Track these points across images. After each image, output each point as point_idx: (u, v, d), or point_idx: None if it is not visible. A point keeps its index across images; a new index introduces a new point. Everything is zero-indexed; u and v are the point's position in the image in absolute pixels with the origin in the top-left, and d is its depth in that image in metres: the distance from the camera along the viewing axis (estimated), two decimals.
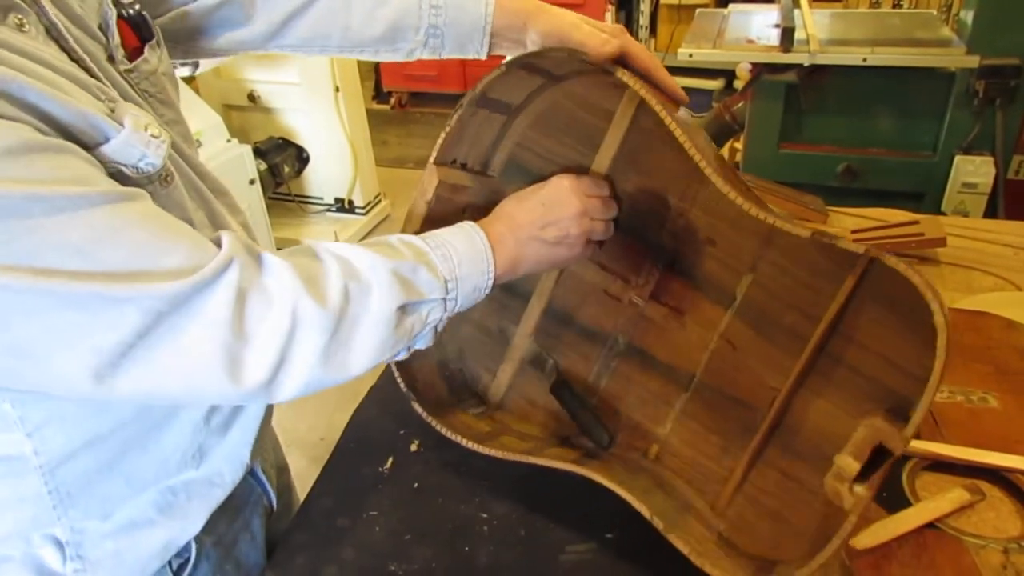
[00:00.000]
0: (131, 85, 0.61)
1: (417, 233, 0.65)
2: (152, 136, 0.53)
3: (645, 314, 0.74)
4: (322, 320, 0.52)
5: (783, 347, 0.65)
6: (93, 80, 0.54)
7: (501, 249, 0.64)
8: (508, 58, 0.71)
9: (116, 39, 0.61)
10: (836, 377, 0.63)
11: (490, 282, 0.63)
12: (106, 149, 0.51)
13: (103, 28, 0.61)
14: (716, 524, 0.66)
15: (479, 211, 0.71)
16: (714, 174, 0.61)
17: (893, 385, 0.60)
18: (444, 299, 0.60)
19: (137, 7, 0.64)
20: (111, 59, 0.60)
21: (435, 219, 0.73)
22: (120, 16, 0.61)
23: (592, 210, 0.68)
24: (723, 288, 0.70)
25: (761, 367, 0.66)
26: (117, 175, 0.52)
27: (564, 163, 0.76)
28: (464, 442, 0.71)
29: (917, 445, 0.77)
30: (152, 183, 0.54)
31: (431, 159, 0.74)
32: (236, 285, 0.50)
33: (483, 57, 0.73)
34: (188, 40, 0.72)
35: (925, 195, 1.74)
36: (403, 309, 0.57)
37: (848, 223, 1.22)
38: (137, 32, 0.63)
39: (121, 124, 0.52)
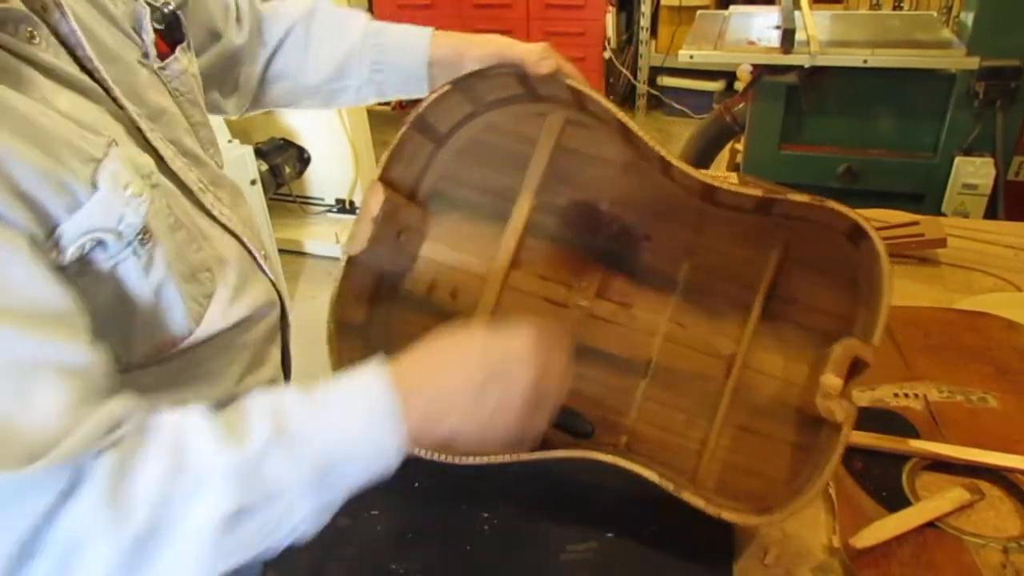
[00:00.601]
0: (164, 82, 0.64)
1: (364, 248, 0.67)
2: (132, 195, 0.53)
3: (593, 314, 0.75)
4: (114, 537, 0.42)
5: (730, 318, 0.72)
6: (96, 106, 0.55)
7: (415, 428, 0.50)
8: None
9: (151, 36, 0.63)
10: (783, 334, 0.71)
11: (388, 468, 0.49)
12: (80, 217, 0.49)
13: (136, 28, 0.63)
14: (702, 494, 0.67)
15: (414, 234, 0.77)
16: (664, 156, 0.67)
17: (835, 331, 0.68)
18: (307, 492, 0.47)
19: (171, 6, 0.66)
20: (145, 56, 0.63)
21: (375, 238, 0.73)
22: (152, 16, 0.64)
23: (547, 373, 0.55)
24: (665, 276, 0.75)
25: (712, 339, 0.72)
26: (93, 252, 0.51)
27: (493, 189, 0.79)
28: (447, 459, 0.67)
29: (917, 445, 0.77)
30: (130, 248, 0.53)
31: (377, 175, 0.75)
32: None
33: (423, 93, 0.77)
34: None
35: (926, 196, 1.74)
36: (239, 514, 0.45)
37: None
38: (169, 33, 0.65)
39: (96, 186, 0.50)
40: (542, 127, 0.78)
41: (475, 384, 0.52)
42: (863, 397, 0.85)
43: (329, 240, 2.96)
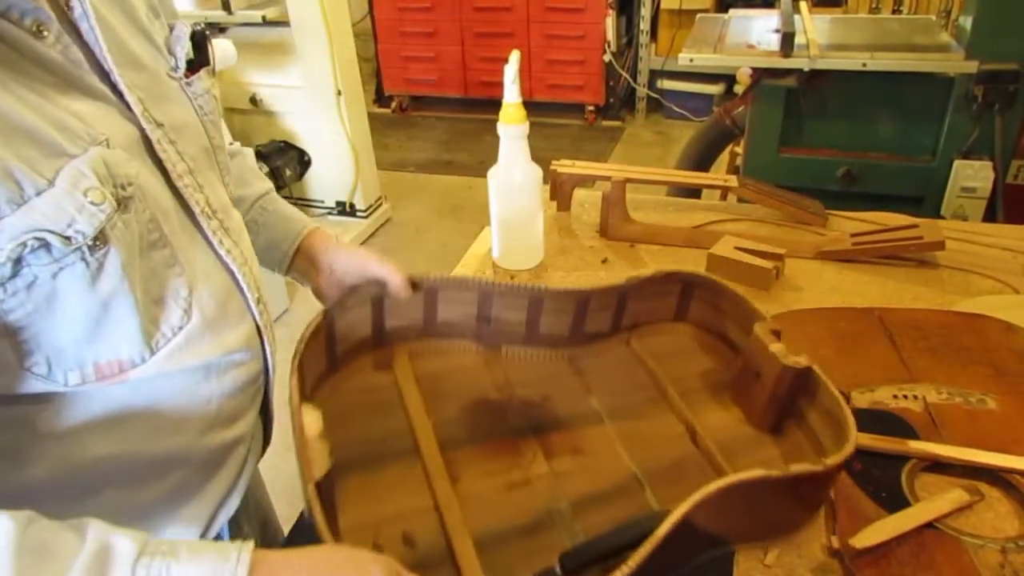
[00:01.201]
0: (190, 98, 0.64)
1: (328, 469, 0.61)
2: (91, 202, 0.50)
3: (557, 472, 0.74)
4: None
5: (656, 411, 0.82)
6: (102, 107, 0.54)
7: None
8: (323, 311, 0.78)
9: (185, 53, 0.64)
10: (693, 398, 0.83)
11: None
12: (29, 209, 0.47)
13: (169, 45, 0.64)
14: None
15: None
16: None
17: (716, 379, 0.87)
18: None
19: (201, 27, 0.67)
20: (174, 70, 0.63)
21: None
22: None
23: None
24: (587, 414, 0.81)
25: (662, 432, 0.79)
26: (34, 254, 0.48)
27: (381, 436, 0.77)
28: None
29: (916, 446, 0.78)
30: (77, 253, 0.50)
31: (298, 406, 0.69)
32: None
33: (280, 271, 0.84)
34: None
35: (924, 199, 1.75)
36: None
37: (847, 226, 1.23)
38: (197, 54, 0.66)
39: (52, 183, 0.48)
40: (395, 370, 0.85)
41: None
42: (862, 399, 0.86)
43: None
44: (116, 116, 0.56)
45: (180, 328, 0.59)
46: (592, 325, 0.86)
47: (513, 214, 1.12)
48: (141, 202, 0.55)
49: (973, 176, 1.65)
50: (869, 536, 0.67)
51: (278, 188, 2.77)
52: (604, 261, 1.18)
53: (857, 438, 0.66)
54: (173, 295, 0.58)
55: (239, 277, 0.65)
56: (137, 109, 0.57)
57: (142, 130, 0.58)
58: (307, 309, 2.71)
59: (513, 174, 1.08)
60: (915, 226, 1.15)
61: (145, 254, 0.56)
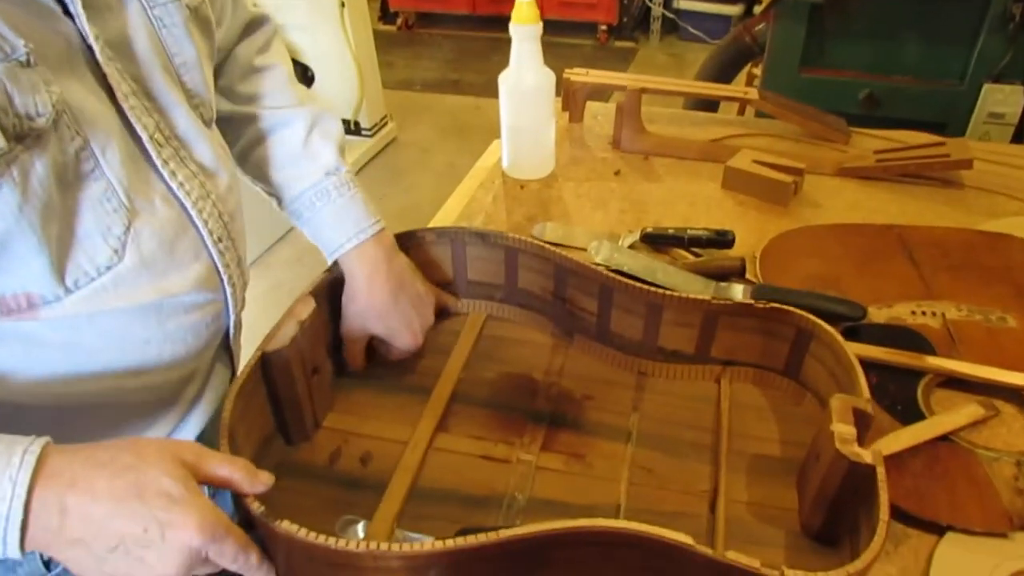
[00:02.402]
0: (145, 8, 0.56)
1: (284, 346, 0.60)
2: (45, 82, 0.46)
3: (541, 466, 0.67)
4: None
5: (695, 458, 0.68)
6: (39, 20, 0.48)
7: (40, 519, 0.42)
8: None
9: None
10: (752, 465, 0.68)
11: (6, 551, 0.42)
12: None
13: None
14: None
15: (323, 389, 0.72)
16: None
17: (793, 454, 0.68)
18: None
19: (203, 7, 0.62)
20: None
21: (292, 357, 0.65)
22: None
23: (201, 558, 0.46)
24: (615, 428, 0.71)
25: (683, 479, 0.67)
26: None
27: (413, 369, 0.78)
28: None
29: (933, 361, 0.76)
30: (23, 143, 0.46)
31: (308, 291, 0.70)
32: None
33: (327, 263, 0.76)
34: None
35: (948, 125, 1.69)
36: None
37: (870, 144, 1.18)
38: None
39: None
40: (465, 322, 0.84)
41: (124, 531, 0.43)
42: (880, 314, 0.83)
43: None
44: (50, 23, 0.49)
45: (108, 268, 0.53)
46: (669, 340, 0.75)
47: (524, 120, 1.08)
48: (70, 129, 0.49)
49: (1003, 101, 1.59)
50: (884, 446, 0.65)
51: None
52: (617, 173, 1.14)
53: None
54: (103, 232, 0.52)
55: (193, 213, 0.58)
56: (80, 18, 0.50)
57: (86, 42, 0.50)
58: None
59: (525, 77, 1.03)
60: (942, 143, 1.11)
61: (72, 186, 0.50)
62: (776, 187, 1.04)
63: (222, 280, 0.63)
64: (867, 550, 0.49)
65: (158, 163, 0.56)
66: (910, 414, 0.71)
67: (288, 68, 0.78)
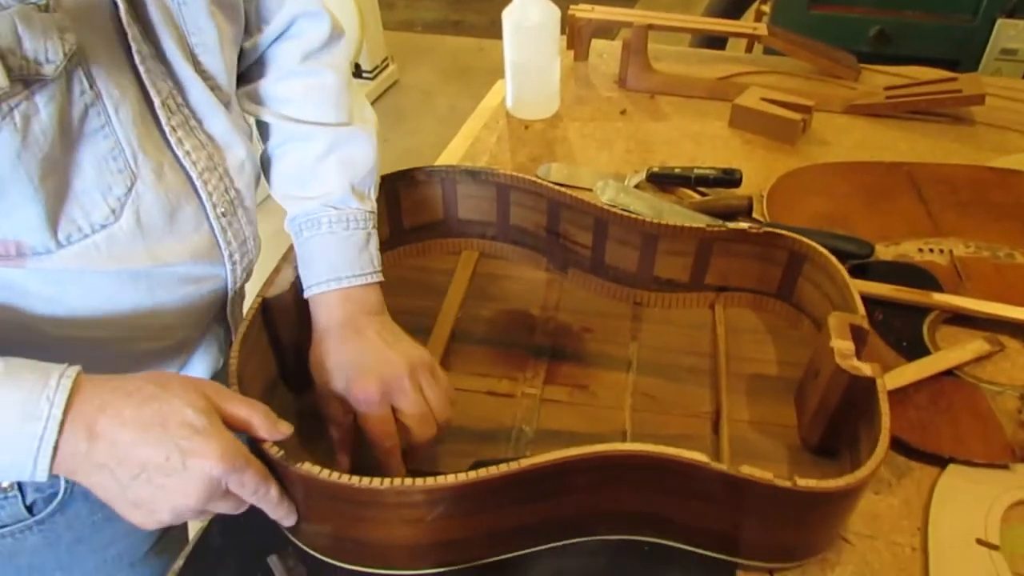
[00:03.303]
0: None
1: (284, 291, 0.59)
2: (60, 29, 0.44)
3: (546, 399, 0.68)
4: None
5: (695, 382, 0.70)
6: None
7: (73, 445, 0.43)
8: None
9: None
10: (752, 386, 0.70)
11: (36, 473, 0.43)
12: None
13: None
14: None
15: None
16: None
17: (790, 374, 0.70)
18: None
19: None
20: None
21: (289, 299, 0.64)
22: None
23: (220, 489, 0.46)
24: (615, 358, 0.73)
25: (685, 403, 0.68)
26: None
27: (408, 309, 0.70)
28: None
29: (939, 298, 0.76)
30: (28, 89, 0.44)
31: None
32: None
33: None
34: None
35: (959, 63, 1.65)
36: None
37: (880, 81, 1.16)
38: None
39: None
40: (458, 261, 0.83)
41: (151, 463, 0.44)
42: (887, 252, 0.83)
43: None
44: None
45: (103, 226, 0.52)
46: (664, 270, 0.76)
47: (528, 57, 1.06)
48: (83, 82, 0.47)
49: (1016, 37, 1.54)
50: (889, 381, 0.66)
51: None
52: (623, 112, 1.12)
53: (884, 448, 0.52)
54: (104, 190, 0.51)
55: (197, 184, 0.57)
56: None
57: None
58: None
59: (529, 13, 1.01)
60: (953, 79, 1.08)
61: (78, 141, 0.49)
62: (784, 125, 1.03)
63: (222, 254, 0.61)
64: (872, 456, 0.51)
65: (166, 129, 0.54)
66: (915, 350, 0.71)
67: (339, 81, 0.68)
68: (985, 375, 0.70)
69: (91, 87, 0.48)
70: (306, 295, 0.64)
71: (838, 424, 0.60)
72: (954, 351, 0.71)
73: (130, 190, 0.52)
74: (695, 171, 0.94)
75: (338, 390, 0.59)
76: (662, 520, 0.56)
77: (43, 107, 0.46)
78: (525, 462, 0.50)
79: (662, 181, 0.95)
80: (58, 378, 0.43)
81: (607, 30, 1.21)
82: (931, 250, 0.83)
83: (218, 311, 0.67)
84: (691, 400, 0.68)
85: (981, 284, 0.78)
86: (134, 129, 0.51)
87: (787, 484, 0.49)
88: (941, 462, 0.63)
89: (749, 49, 1.51)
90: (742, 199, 0.91)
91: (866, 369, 0.56)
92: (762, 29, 1.19)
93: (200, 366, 0.68)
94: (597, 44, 1.27)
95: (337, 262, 0.64)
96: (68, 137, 0.48)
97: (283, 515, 0.52)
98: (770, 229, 0.71)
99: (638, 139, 1.06)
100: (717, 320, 0.75)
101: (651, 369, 0.71)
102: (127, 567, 0.70)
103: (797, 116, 1.02)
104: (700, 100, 1.14)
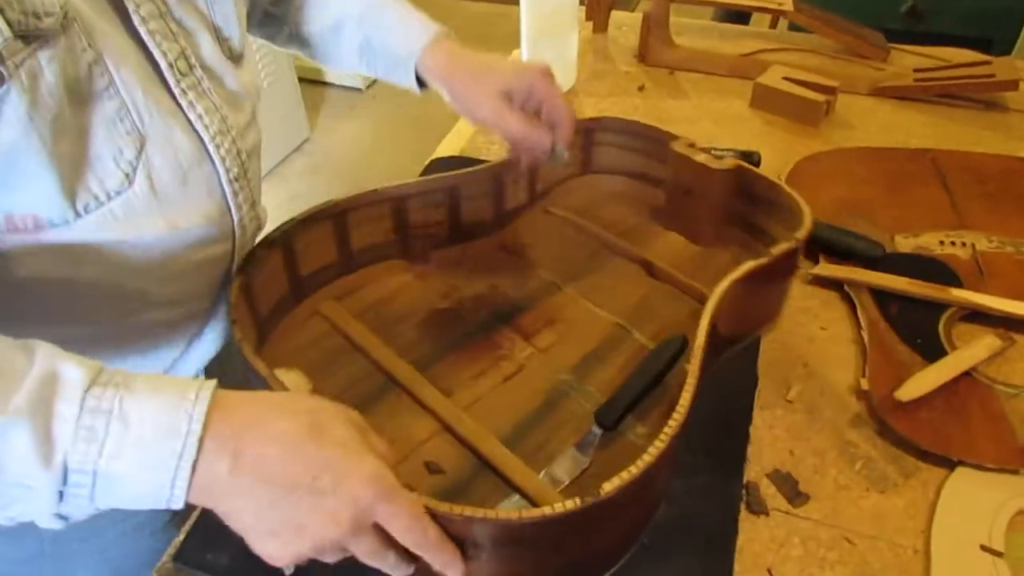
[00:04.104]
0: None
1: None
2: None
3: (542, 348, 0.68)
4: None
5: (611, 261, 0.78)
6: None
7: (212, 468, 0.39)
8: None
9: None
10: (640, 235, 0.82)
11: (172, 499, 0.39)
12: None
13: None
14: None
15: None
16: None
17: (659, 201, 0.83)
18: (54, 491, 0.38)
19: None
20: None
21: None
22: None
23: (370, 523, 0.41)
24: (545, 286, 0.75)
25: (620, 275, 0.77)
26: None
27: (346, 385, 0.65)
28: None
29: (958, 294, 0.73)
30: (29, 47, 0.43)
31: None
32: None
33: (410, 85, 0.72)
34: None
35: (993, 42, 1.60)
36: None
37: (910, 62, 1.12)
38: None
39: None
40: (328, 317, 0.71)
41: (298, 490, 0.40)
42: (906, 243, 0.81)
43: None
44: None
45: (118, 193, 0.50)
46: (511, 200, 0.80)
47: (545, 29, 1.03)
48: (81, 40, 0.46)
49: None
50: (913, 388, 0.64)
51: None
52: (641, 88, 1.09)
53: (811, 215, 0.67)
54: (115, 154, 0.50)
55: (210, 148, 0.56)
56: None
57: None
58: (331, 141, 2.64)
59: None
60: (987, 62, 1.04)
61: (85, 102, 0.47)
62: (807, 106, 1.00)
63: (233, 220, 0.60)
64: (797, 204, 0.67)
65: (176, 92, 0.53)
66: (931, 348, 0.69)
67: None
68: (1000, 376, 0.68)
69: (90, 45, 0.47)
70: (414, 60, 0.69)
71: (725, 214, 0.75)
72: (970, 350, 0.69)
73: (140, 153, 0.51)
74: (713, 151, 0.91)
75: (501, 92, 0.66)
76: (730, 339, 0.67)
77: (47, 65, 0.45)
78: (701, 334, 0.57)
79: None
80: (196, 389, 0.40)
81: (627, 1, 1.18)
82: (952, 243, 0.80)
83: (226, 279, 0.66)
84: (619, 272, 0.77)
85: (1003, 281, 0.75)
86: (139, 89, 0.50)
87: (792, 243, 0.64)
88: (950, 464, 0.61)
89: (773, 25, 1.46)
90: None
91: (731, 161, 0.73)
92: (787, 4, 1.15)
93: (212, 334, 0.67)
94: (617, 15, 1.24)
95: (423, 19, 0.71)
96: (75, 98, 0.47)
97: (448, 561, 0.43)
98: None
99: (656, 116, 1.03)
100: (565, 215, 0.83)
101: (571, 275, 0.76)
102: (148, 536, 0.70)
103: (821, 97, 0.99)
104: (721, 78, 1.11)
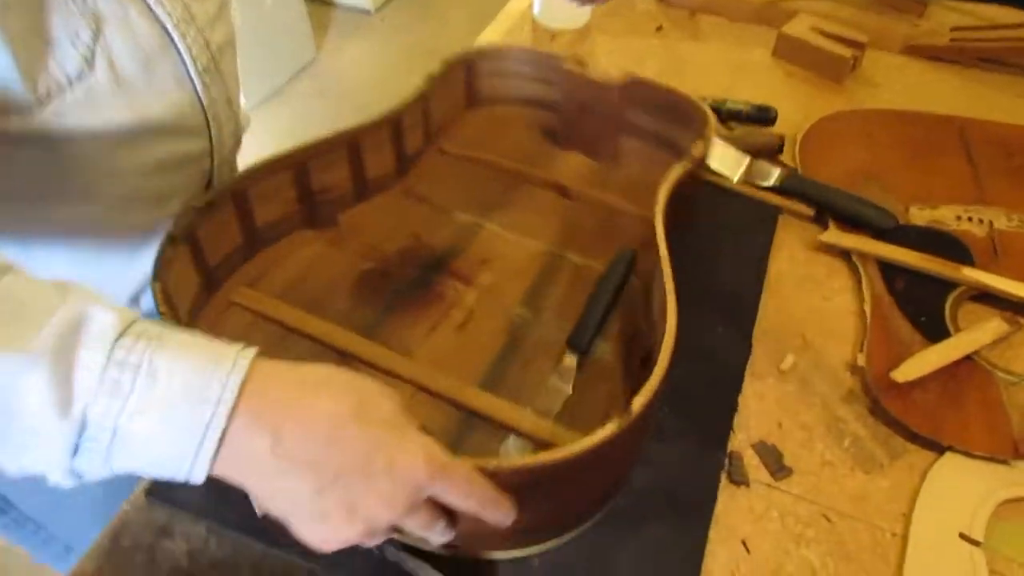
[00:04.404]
0: None
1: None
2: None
3: (487, 288, 0.67)
4: None
5: (523, 190, 0.78)
6: None
7: (231, 459, 0.36)
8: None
9: None
10: (542, 158, 0.82)
11: (193, 470, 0.36)
12: None
13: None
14: None
15: None
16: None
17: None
18: (69, 443, 0.35)
19: None
20: None
21: None
22: None
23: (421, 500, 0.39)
24: (465, 227, 0.73)
25: (536, 201, 0.76)
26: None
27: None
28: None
29: (969, 273, 0.70)
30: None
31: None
32: None
33: None
34: None
35: None
36: None
37: (948, 19, 1.06)
38: None
39: None
40: (245, 305, 0.64)
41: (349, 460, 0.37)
42: (921, 215, 0.77)
43: None
44: None
45: (79, 78, 0.49)
46: (410, 145, 0.76)
47: None
48: None
49: None
50: (911, 370, 0.62)
51: None
52: (658, 29, 1.03)
53: (715, 122, 0.70)
54: (71, 37, 0.48)
55: (174, 36, 0.53)
56: None
57: None
58: (338, 63, 2.56)
59: None
60: None
61: None
62: (832, 61, 0.95)
63: (207, 115, 0.58)
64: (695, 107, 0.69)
65: None
66: (934, 327, 0.67)
67: None
68: (1002, 362, 0.65)
69: None
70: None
71: (621, 126, 0.77)
72: (975, 333, 0.66)
73: (97, 35, 0.49)
74: (727, 104, 0.87)
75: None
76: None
77: None
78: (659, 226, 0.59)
79: None
80: (235, 356, 0.37)
81: None
82: (970, 219, 0.77)
83: (205, 184, 0.65)
84: (534, 199, 0.76)
85: (1017, 262, 0.72)
86: None
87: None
88: (939, 448, 0.60)
89: None
90: (772, 138, 0.85)
91: (619, 74, 0.74)
92: None
93: None
94: None
95: None
96: None
97: (504, 514, 0.42)
98: (449, 60, 0.79)
99: (672, 60, 0.98)
100: (463, 153, 0.81)
101: (488, 211, 0.75)
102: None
103: (847, 52, 0.94)
104: (745, 24, 1.05)
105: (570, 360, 0.60)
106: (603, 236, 0.72)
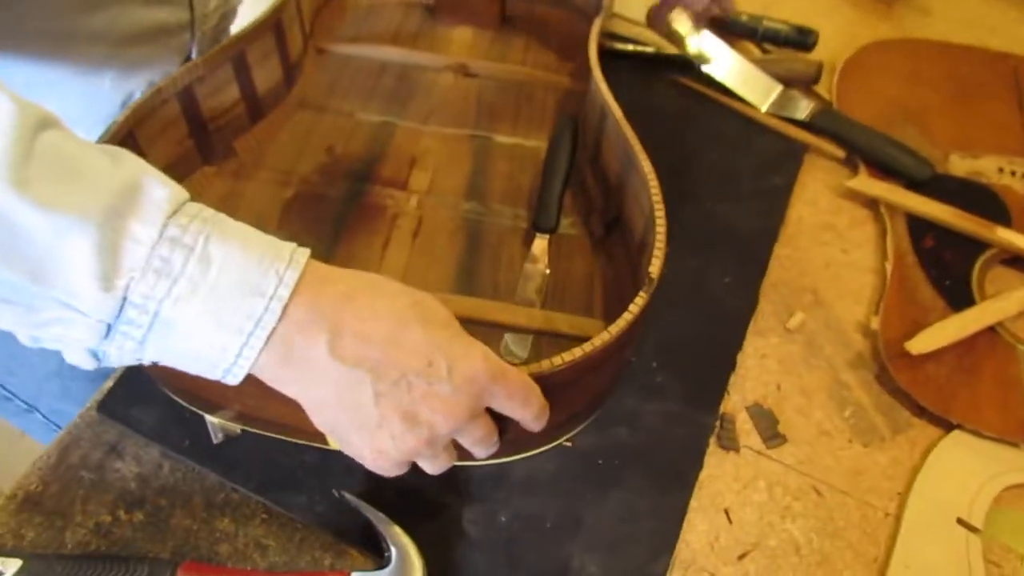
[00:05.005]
0: None
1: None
2: None
3: (425, 189, 0.64)
4: None
5: (421, 78, 0.74)
6: None
7: (275, 365, 0.33)
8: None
9: None
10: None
11: (233, 368, 0.33)
12: None
13: None
14: None
15: None
16: None
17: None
18: (103, 322, 0.31)
19: None
20: None
21: None
22: None
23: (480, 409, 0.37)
24: (377, 128, 0.69)
25: (435, 83, 0.73)
26: None
27: None
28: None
29: (1003, 234, 0.65)
30: None
31: None
32: None
33: None
34: None
35: None
36: None
37: None
38: None
39: None
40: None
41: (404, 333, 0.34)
42: (961, 165, 0.70)
43: None
44: None
45: None
46: (293, 49, 0.70)
47: None
48: None
49: None
50: (927, 341, 0.57)
51: None
52: None
53: None
54: None
55: None
56: None
57: None
58: None
59: None
60: None
61: None
62: None
63: None
64: None
65: None
66: (958, 293, 0.61)
67: None
68: None
69: None
70: None
71: None
72: (1000, 302, 0.61)
73: None
74: (764, 23, 0.78)
75: None
76: None
77: None
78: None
79: (723, 28, 0.80)
80: (291, 251, 0.34)
81: None
82: (1013, 172, 0.70)
83: (182, 58, 0.62)
84: (432, 81, 0.73)
85: None
86: None
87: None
88: (945, 425, 0.56)
89: None
90: (810, 65, 0.77)
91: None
92: None
93: None
94: None
95: None
96: None
97: (545, 420, 0.40)
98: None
99: None
100: (333, 49, 0.77)
101: (396, 105, 0.71)
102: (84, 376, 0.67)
103: None
104: None
105: (541, 242, 0.58)
106: (522, 110, 0.70)
